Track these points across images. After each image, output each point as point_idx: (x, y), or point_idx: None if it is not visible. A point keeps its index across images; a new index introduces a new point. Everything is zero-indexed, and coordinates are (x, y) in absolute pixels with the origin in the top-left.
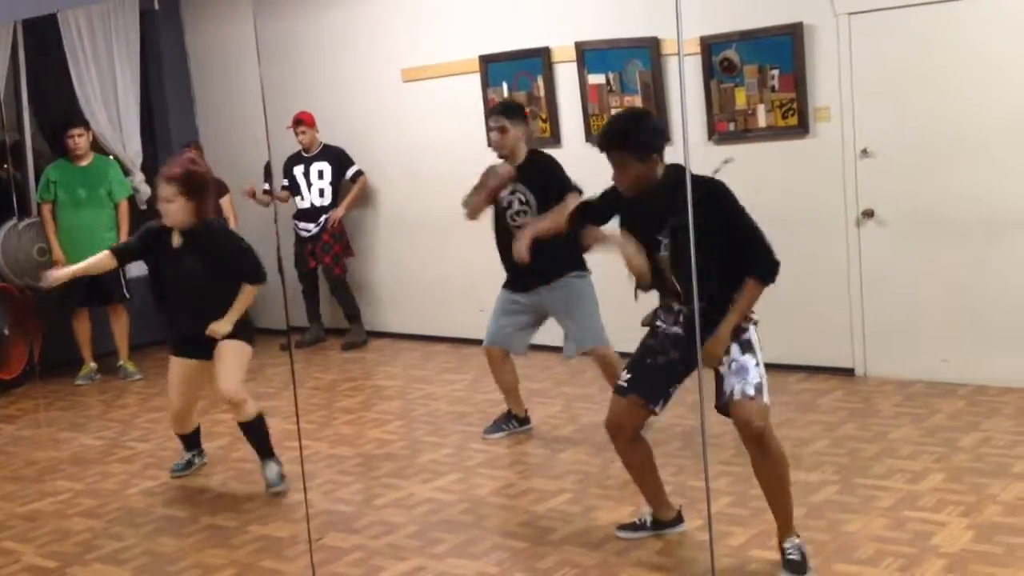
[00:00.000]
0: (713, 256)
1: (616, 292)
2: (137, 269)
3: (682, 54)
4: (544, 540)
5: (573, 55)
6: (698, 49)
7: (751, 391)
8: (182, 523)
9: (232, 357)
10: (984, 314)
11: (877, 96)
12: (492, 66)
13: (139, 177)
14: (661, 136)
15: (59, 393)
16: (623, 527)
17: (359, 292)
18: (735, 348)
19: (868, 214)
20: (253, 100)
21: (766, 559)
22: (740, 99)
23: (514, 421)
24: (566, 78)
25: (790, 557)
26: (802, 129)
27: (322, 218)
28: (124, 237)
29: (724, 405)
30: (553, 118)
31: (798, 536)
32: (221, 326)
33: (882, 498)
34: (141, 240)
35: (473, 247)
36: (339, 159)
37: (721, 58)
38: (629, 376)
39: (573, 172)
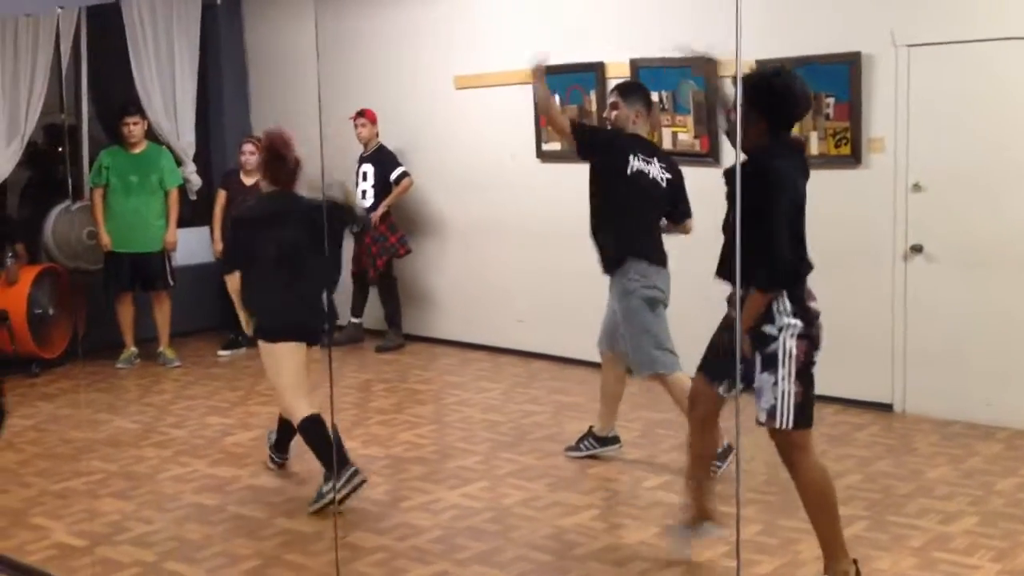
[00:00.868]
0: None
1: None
2: (183, 258)
3: (740, 76)
4: (568, 555)
5: (627, 71)
6: None
7: (763, 417)
8: (210, 511)
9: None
10: None
11: (932, 130)
12: (545, 78)
13: (191, 167)
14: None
15: (99, 375)
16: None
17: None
18: (758, 362)
19: (917, 249)
20: (307, 98)
21: None
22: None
23: (591, 439)
24: None
25: None
26: (854, 159)
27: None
28: (172, 225)
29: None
30: None
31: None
32: None
33: (913, 537)
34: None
35: (517, 257)
36: (385, 162)
37: None
38: (705, 354)
39: None
